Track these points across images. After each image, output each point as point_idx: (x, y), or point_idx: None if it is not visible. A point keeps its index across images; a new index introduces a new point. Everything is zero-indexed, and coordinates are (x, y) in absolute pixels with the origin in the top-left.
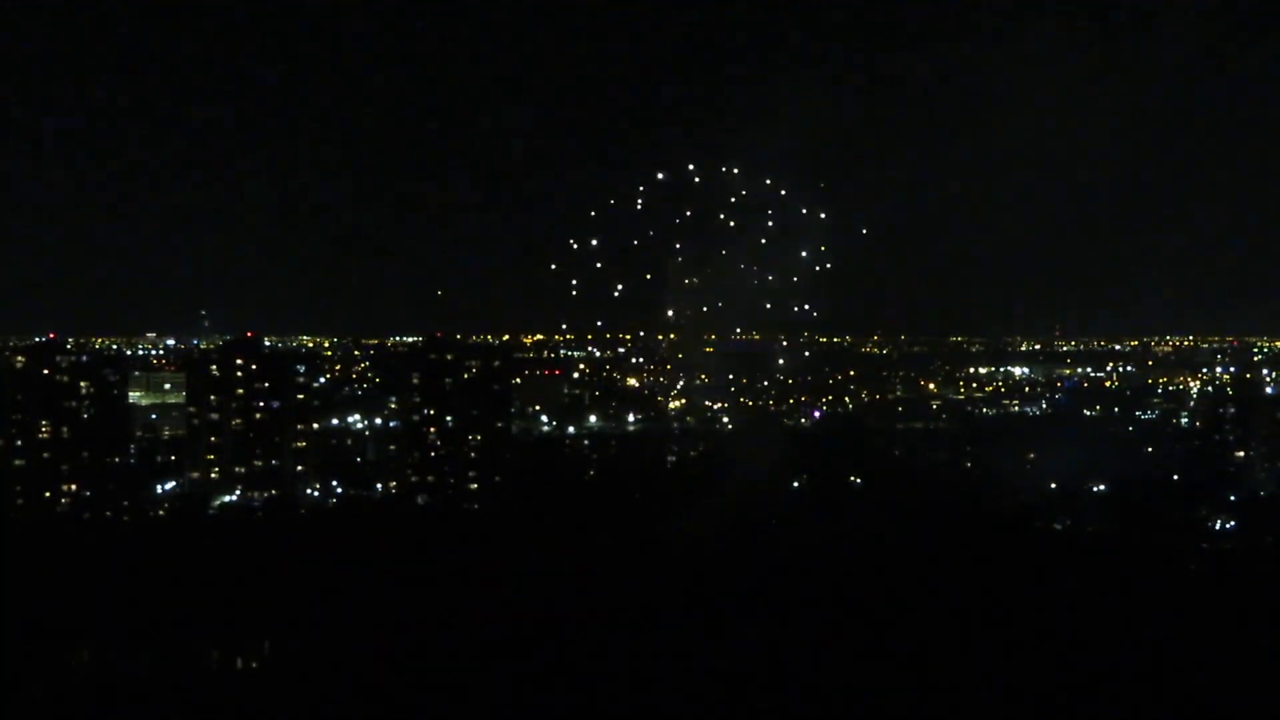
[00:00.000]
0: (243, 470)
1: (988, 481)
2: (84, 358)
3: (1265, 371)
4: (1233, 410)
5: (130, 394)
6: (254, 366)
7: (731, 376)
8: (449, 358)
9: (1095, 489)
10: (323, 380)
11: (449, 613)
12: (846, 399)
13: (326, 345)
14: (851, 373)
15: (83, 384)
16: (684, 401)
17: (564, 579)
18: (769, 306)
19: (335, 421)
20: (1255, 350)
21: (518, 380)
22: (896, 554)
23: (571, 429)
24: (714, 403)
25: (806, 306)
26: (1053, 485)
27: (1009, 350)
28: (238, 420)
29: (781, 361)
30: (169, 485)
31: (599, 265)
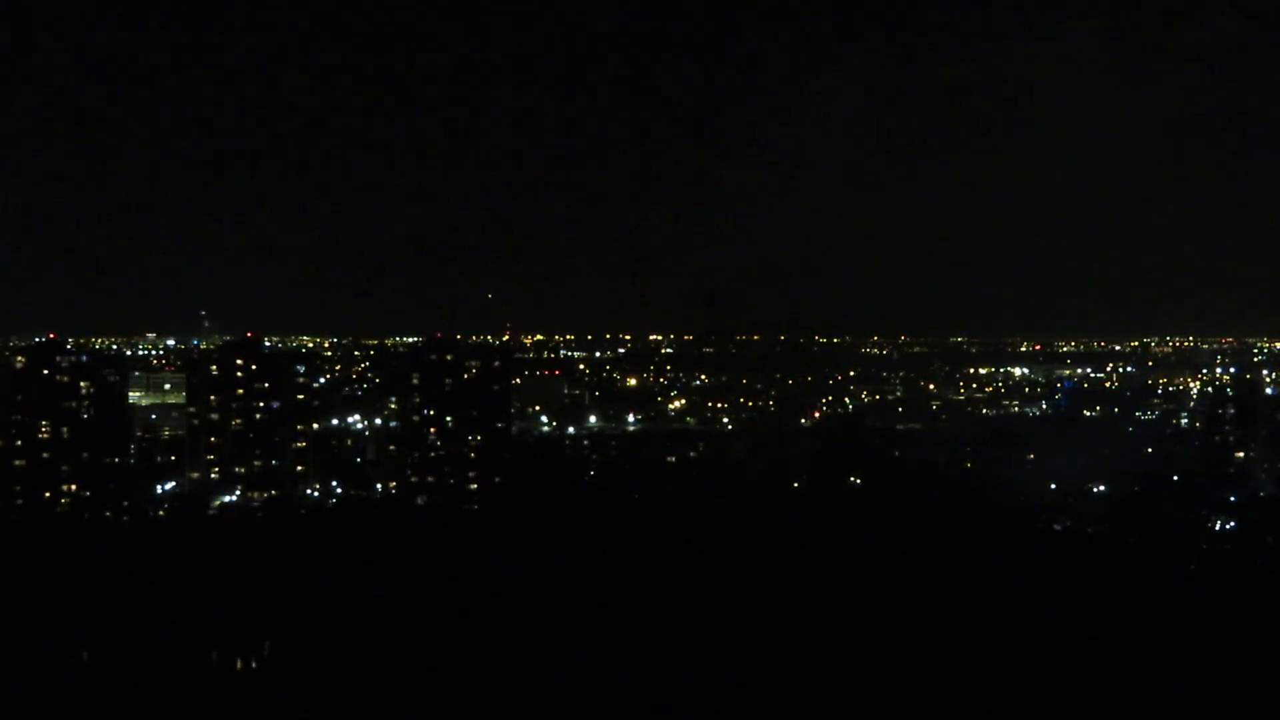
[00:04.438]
0: (243, 470)
1: (988, 482)
2: (84, 358)
3: (1265, 372)
4: (1233, 410)
5: (130, 394)
6: (254, 366)
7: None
8: (449, 358)
9: (1095, 489)
10: (323, 380)
11: (449, 613)
12: (846, 399)
13: (326, 345)
14: (851, 373)
15: (83, 384)
16: (684, 401)
17: (564, 580)
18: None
19: (335, 421)
20: (1255, 350)
21: (518, 380)
22: (896, 555)
23: (571, 429)
24: (714, 403)
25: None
26: (1053, 485)
27: (1009, 350)
28: (238, 420)
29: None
30: (169, 485)
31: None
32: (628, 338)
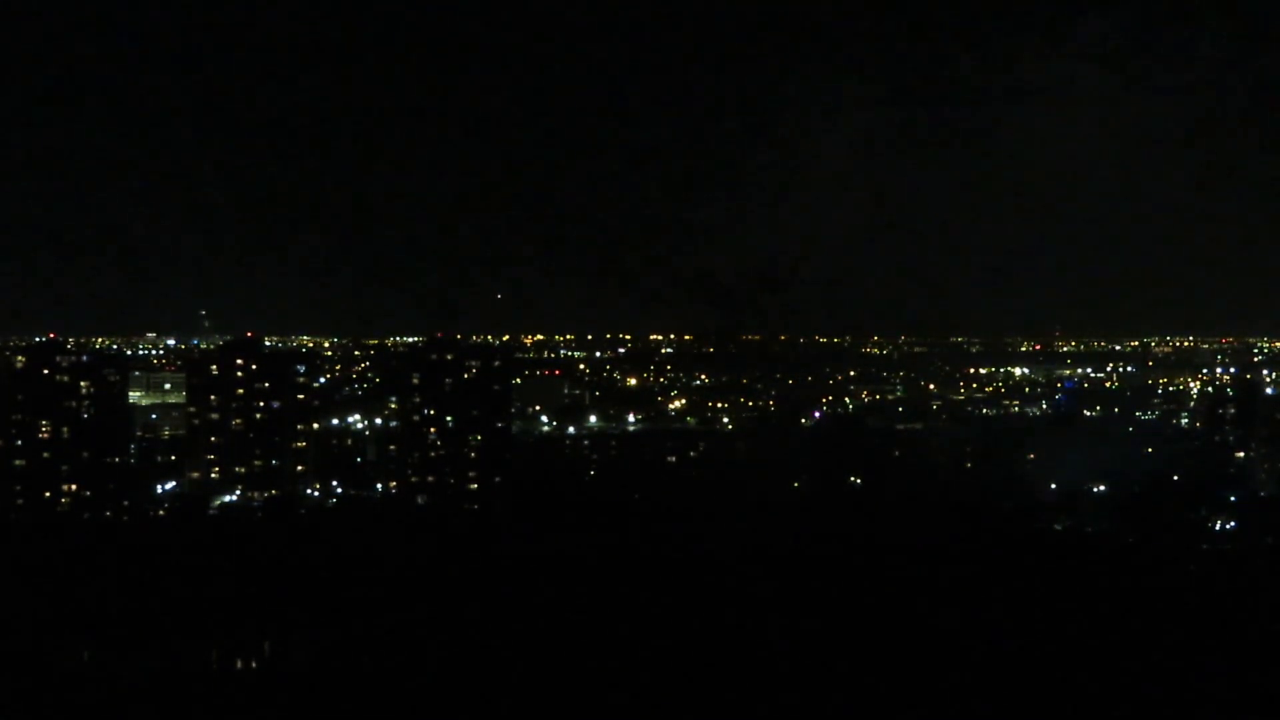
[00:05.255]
0: (243, 470)
1: (988, 482)
2: (84, 358)
3: (1265, 371)
4: (1233, 410)
5: (130, 394)
6: (254, 366)
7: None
8: (449, 358)
9: (1095, 489)
10: (323, 380)
11: (449, 613)
12: (846, 399)
13: (326, 345)
14: (851, 373)
15: (83, 384)
16: (684, 401)
17: (564, 580)
18: None
19: (335, 421)
20: (1255, 350)
21: (518, 380)
22: (896, 555)
23: (571, 429)
24: (714, 403)
25: None
26: (1053, 485)
27: (1009, 350)
28: (238, 420)
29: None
30: (169, 485)
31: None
32: (628, 338)
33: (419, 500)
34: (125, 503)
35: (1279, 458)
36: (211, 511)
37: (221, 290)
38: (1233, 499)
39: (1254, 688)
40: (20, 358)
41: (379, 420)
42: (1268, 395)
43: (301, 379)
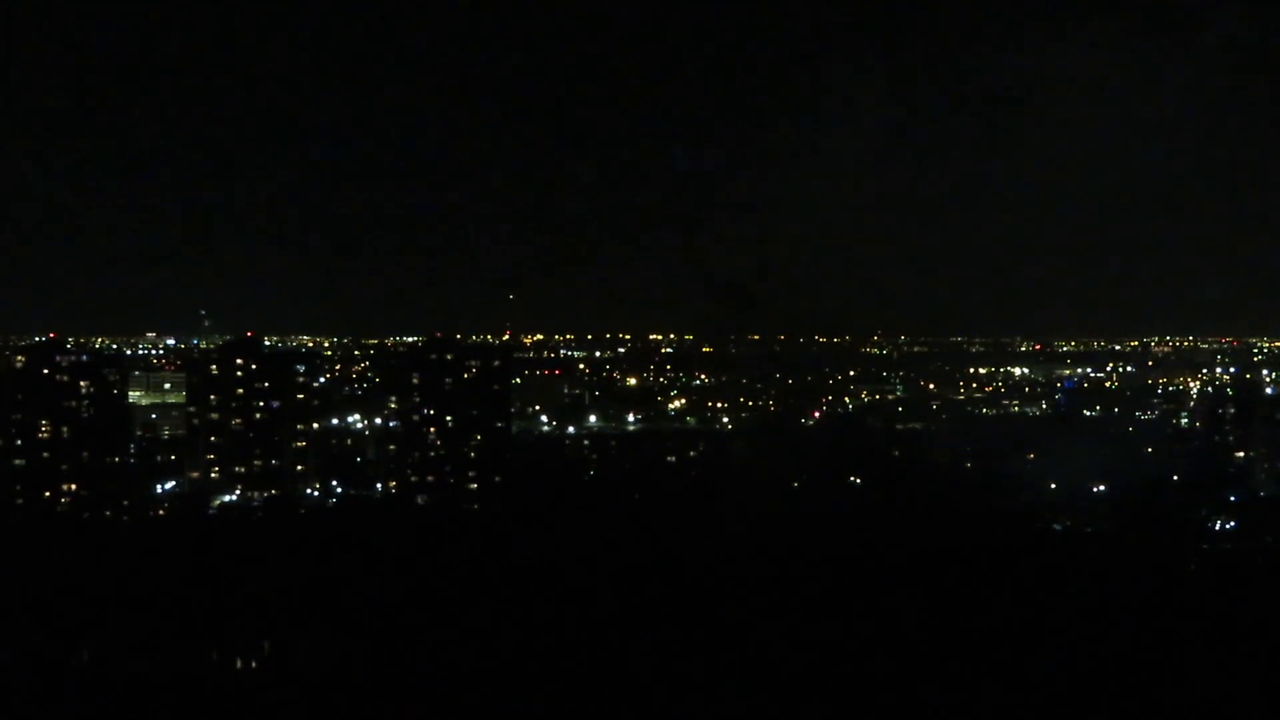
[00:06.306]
0: (243, 470)
1: (988, 482)
2: (84, 358)
3: (1265, 372)
4: (1233, 410)
5: (130, 394)
6: (254, 366)
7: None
8: (449, 358)
9: (1095, 489)
10: (323, 380)
11: (449, 613)
12: (846, 399)
13: (326, 345)
14: (851, 373)
15: (83, 384)
16: (684, 401)
17: (564, 580)
18: None
19: (335, 421)
20: (1255, 350)
21: (518, 380)
22: (896, 554)
23: (571, 429)
24: (714, 403)
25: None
26: (1053, 485)
27: (1009, 350)
28: (238, 420)
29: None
30: (169, 485)
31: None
32: (628, 337)
33: (419, 500)
34: (125, 503)
35: (1279, 458)
36: (211, 511)
37: (221, 290)
38: (1233, 499)
39: (1254, 687)
40: (20, 358)
41: (379, 420)
42: (1268, 395)
43: (301, 379)
